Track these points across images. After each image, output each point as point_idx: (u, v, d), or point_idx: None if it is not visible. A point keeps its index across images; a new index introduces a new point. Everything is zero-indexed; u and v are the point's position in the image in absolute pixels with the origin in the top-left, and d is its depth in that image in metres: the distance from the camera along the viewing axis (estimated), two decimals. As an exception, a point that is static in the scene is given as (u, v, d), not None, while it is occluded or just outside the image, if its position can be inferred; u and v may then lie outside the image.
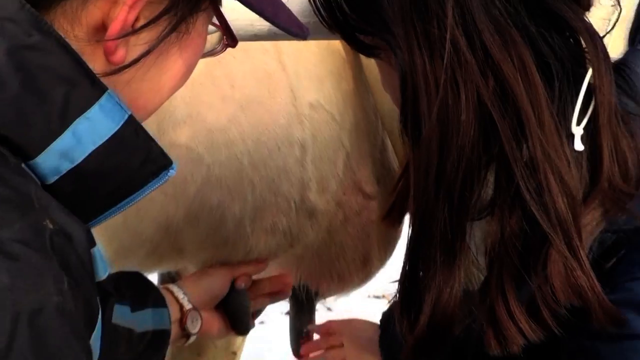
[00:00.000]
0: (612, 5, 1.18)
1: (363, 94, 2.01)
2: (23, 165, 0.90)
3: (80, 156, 0.93)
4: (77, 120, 0.91)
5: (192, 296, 1.76)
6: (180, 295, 1.74)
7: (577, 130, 1.11)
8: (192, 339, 1.76)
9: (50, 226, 0.85)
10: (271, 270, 2.03)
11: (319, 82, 1.92)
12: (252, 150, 1.81)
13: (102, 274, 1.00)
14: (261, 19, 1.15)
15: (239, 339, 2.54)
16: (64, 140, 0.91)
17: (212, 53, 1.15)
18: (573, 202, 1.09)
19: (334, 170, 1.95)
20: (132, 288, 1.64)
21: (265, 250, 1.94)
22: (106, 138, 0.93)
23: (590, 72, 1.11)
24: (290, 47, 1.84)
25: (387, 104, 1.95)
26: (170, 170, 1.02)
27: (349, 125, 1.97)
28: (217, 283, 1.83)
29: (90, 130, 0.92)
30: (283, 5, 1.09)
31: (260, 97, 1.82)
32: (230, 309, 1.84)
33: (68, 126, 0.91)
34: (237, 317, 1.84)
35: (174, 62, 1.04)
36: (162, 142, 1.66)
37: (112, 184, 0.98)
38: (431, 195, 1.14)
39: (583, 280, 1.09)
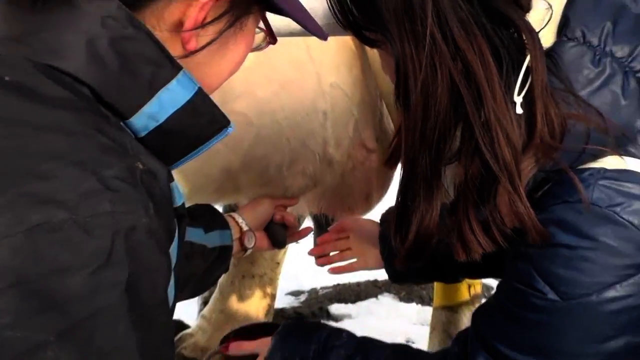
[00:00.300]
0: (546, 8, 1.15)
1: (368, 77, 1.99)
2: (121, 123, 0.91)
3: (163, 117, 0.93)
4: (161, 90, 0.92)
5: (247, 220, 1.75)
6: (239, 220, 1.73)
7: (518, 99, 1.09)
8: (248, 252, 1.76)
9: (141, 167, 0.85)
10: (300, 203, 2.02)
11: (336, 68, 1.91)
12: (288, 117, 1.81)
13: (178, 201, 1.01)
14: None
15: (281, 252, 2.59)
16: (151, 106, 0.92)
17: (258, 48, 1.14)
18: (515, 152, 1.08)
19: (346, 132, 1.95)
20: (204, 216, 1.63)
21: (297, 189, 1.94)
22: (182, 104, 0.94)
23: (528, 57, 1.10)
24: (316, 43, 1.68)
25: (385, 84, 1.96)
26: (229, 129, 1.02)
27: (357, 100, 1.96)
28: (264, 211, 1.81)
29: (171, 98, 0.93)
30: (310, 15, 1.08)
31: (295, 79, 1.82)
32: (271, 231, 1.83)
33: (154, 95, 0.91)
34: (276, 236, 1.83)
35: (230, 52, 1.03)
36: (224, 110, 1.72)
37: (186, 137, 0.98)
38: (417, 147, 1.14)
39: (521, 209, 1.09)
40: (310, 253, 1.87)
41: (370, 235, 1.74)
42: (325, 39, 1.13)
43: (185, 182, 1.79)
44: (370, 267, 1.80)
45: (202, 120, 0.98)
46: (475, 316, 1.28)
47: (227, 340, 1.62)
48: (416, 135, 1.13)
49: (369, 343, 1.44)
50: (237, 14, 1.00)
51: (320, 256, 1.85)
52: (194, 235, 1.56)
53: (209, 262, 1.59)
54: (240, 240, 1.72)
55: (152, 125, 0.93)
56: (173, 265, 0.91)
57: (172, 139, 0.96)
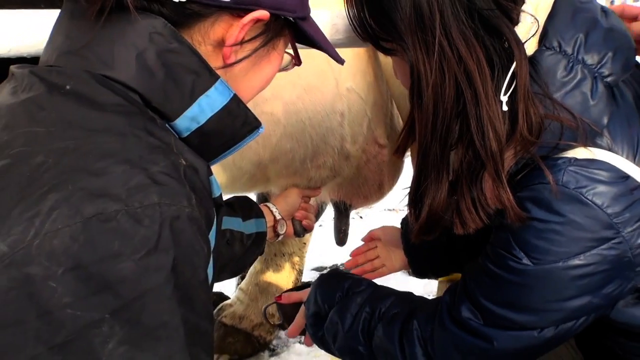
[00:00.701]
0: (532, 22, 1.15)
1: (380, 83, 2.00)
2: (167, 125, 0.91)
3: (203, 119, 0.93)
4: (201, 97, 0.92)
5: (280, 210, 1.75)
6: (273, 209, 1.73)
7: (504, 99, 1.11)
8: (280, 237, 1.76)
9: (184, 163, 0.85)
10: (322, 192, 2.02)
11: (352, 74, 1.91)
12: (311, 116, 1.82)
13: (217, 192, 1.01)
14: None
15: (308, 234, 2.56)
16: (193, 110, 0.92)
17: (285, 69, 1.14)
18: (500, 143, 1.11)
19: (361, 130, 1.96)
20: (242, 207, 1.62)
21: (319, 179, 1.95)
22: (219, 108, 0.94)
23: (514, 64, 1.11)
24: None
25: (395, 88, 1.98)
26: (260, 129, 1.02)
27: (370, 102, 1.97)
28: (293, 202, 1.80)
29: (209, 103, 0.93)
30: (330, 43, 1.10)
31: (316, 83, 1.81)
32: (292, 224, 1.81)
33: (195, 100, 0.92)
34: (295, 229, 1.82)
35: (262, 69, 1.03)
36: (255, 111, 1.70)
37: (223, 137, 0.99)
38: (429, 138, 1.16)
39: (503, 193, 1.12)
40: (346, 267, 1.86)
41: (394, 238, 1.74)
42: (342, 63, 1.14)
43: (222, 173, 1.81)
44: (397, 269, 1.79)
45: (236, 122, 0.98)
46: (464, 272, 1.30)
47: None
48: (428, 129, 1.15)
49: (380, 291, 1.47)
50: (270, 36, 1.00)
51: (354, 267, 1.84)
52: (234, 223, 1.56)
53: (246, 246, 1.58)
54: (274, 227, 1.72)
55: (194, 126, 0.93)
56: (212, 249, 0.91)
57: (210, 139, 0.96)
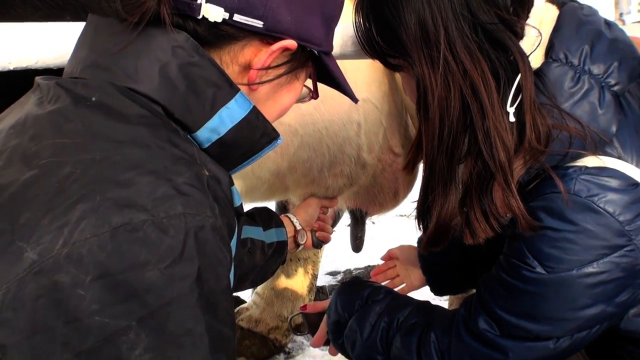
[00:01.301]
0: (536, 36, 1.17)
1: (395, 93, 2.01)
2: (189, 136, 0.92)
3: (223, 131, 0.94)
4: (221, 109, 0.93)
5: (300, 220, 1.76)
6: (294, 219, 1.74)
7: (511, 110, 1.12)
8: (300, 247, 1.76)
9: (207, 174, 0.86)
10: (340, 200, 2.02)
11: (368, 85, 1.92)
12: (328, 126, 1.83)
13: (238, 202, 1.02)
14: (335, 49, 1.18)
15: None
16: (214, 121, 0.93)
17: (302, 100, 1.16)
18: (509, 154, 1.11)
19: (377, 139, 1.97)
20: (263, 217, 1.62)
21: (337, 187, 1.95)
22: (239, 119, 0.95)
23: (519, 76, 1.12)
24: (350, 65, 1.73)
25: (409, 99, 2.00)
26: (278, 140, 1.03)
27: (386, 112, 1.98)
28: (313, 212, 1.82)
29: (230, 115, 0.94)
30: (347, 83, 1.12)
31: (333, 94, 1.65)
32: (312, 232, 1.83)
33: (216, 112, 0.93)
34: (313, 240, 1.83)
35: (282, 96, 1.05)
36: (274, 122, 1.75)
37: (243, 148, 0.99)
38: (435, 151, 1.16)
39: (512, 202, 1.13)
40: None
41: (412, 256, 1.76)
42: (356, 102, 1.18)
43: (242, 183, 1.82)
44: (416, 287, 1.79)
45: (256, 133, 0.99)
46: (479, 284, 1.31)
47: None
48: (435, 141, 1.16)
49: (398, 301, 1.48)
50: (295, 65, 1.02)
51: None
52: (254, 232, 1.57)
53: (267, 255, 1.58)
54: (294, 238, 1.73)
55: (214, 137, 0.94)
56: (233, 256, 0.91)
57: (230, 149, 0.97)
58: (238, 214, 1.00)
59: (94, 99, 0.87)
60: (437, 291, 1.77)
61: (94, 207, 0.74)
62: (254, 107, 0.97)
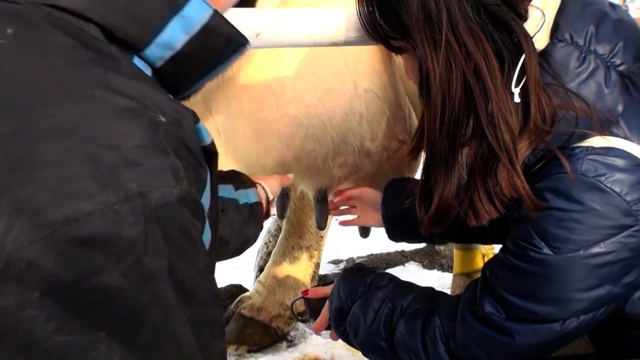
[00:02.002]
0: (540, 17, 1.18)
1: (396, 82, 2.01)
2: (135, 58, 0.79)
3: (179, 44, 0.81)
4: (175, 17, 0.80)
5: (271, 189, 1.61)
6: (265, 187, 1.58)
7: (516, 90, 1.13)
8: (268, 218, 1.60)
9: (163, 119, 0.69)
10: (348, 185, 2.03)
11: (369, 75, 1.92)
12: (331, 118, 1.84)
13: (207, 140, 0.82)
14: (340, 36, 1.25)
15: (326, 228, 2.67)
16: (165, 34, 0.80)
17: None
18: (513, 136, 1.13)
19: (380, 128, 1.98)
20: (232, 177, 1.48)
21: (341, 177, 1.97)
22: (198, 29, 0.82)
23: (524, 56, 1.13)
24: (352, 55, 1.85)
25: (410, 87, 2.01)
26: (247, 45, 0.90)
27: (388, 100, 1.98)
28: (278, 186, 1.66)
29: (185, 24, 0.81)
30: None
31: (335, 86, 1.83)
32: (317, 214, 1.88)
33: (167, 21, 0.79)
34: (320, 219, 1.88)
35: None
36: (278, 113, 1.74)
37: (204, 60, 0.87)
38: (437, 133, 1.18)
39: (518, 182, 1.14)
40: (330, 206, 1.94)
41: (374, 202, 1.78)
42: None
43: (245, 171, 1.76)
44: (368, 224, 1.89)
45: (219, 41, 0.86)
46: (484, 268, 1.32)
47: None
48: (436, 124, 1.17)
49: (401, 287, 1.50)
50: None
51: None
52: (224, 192, 1.41)
53: (244, 217, 1.41)
54: (267, 207, 1.59)
55: (168, 54, 0.81)
56: (207, 209, 0.78)
57: (189, 64, 0.85)
58: (210, 153, 0.83)
59: (9, 31, 0.68)
60: (392, 237, 1.80)
61: (20, 204, 0.58)
62: (216, 11, 0.84)
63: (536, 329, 1.23)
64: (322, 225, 1.90)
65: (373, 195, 1.81)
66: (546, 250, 1.17)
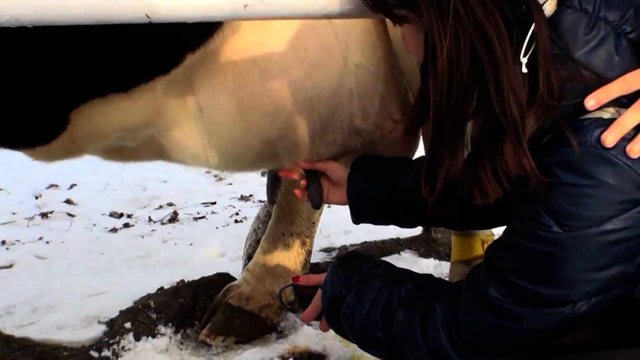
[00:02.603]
0: None
1: (391, 58, 1.99)
2: None
3: None
4: None
5: None
6: None
7: (524, 60, 1.12)
8: None
9: None
10: None
11: (361, 50, 1.90)
12: (319, 93, 1.81)
13: None
14: (334, 7, 1.22)
15: (317, 213, 2.62)
16: None
17: None
18: (521, 108, 1.12)
19: (372, 105, 1.96)
20: None
21: (329, 156, 1.95)
22: None
23: (533, 26, 1.12)
24: (342, 28, 1.84)
25: (407, 63, 2.00)
26: None
27: (382, 77, 1.96)
28: None
29: None
30: None
31: (324, 60, 1.81)
32: (310, 191, 1.84)
33: None
34: (312, 196, 1.84)
35: None
36: (264, 87, 1.71)
37: None
38: (443, 107, 1.16)
39: (524, 160, 1.13)
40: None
41: (340, 177, 1.77)
42: None
43: (229, 150, 1.83)
44: (330, 203, 1.86)
45: None
46: (488, 251, 1.30)
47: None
48: (443, 97, 1.16)
49: (398, 275, 1.47)
50: None
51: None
52: None
53: None
54: None
55: None
56: None
57: None
58: None
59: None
60: (355, 219, 1.77)
61: None
62: None
63: (545, 314, 1.20)
64: (317, 202, 1.85)
65: (341, 170, 1.78)
66: (555, 228, 1.15)
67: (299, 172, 1.90)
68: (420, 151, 2.16)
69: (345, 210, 1.88)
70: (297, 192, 1.88)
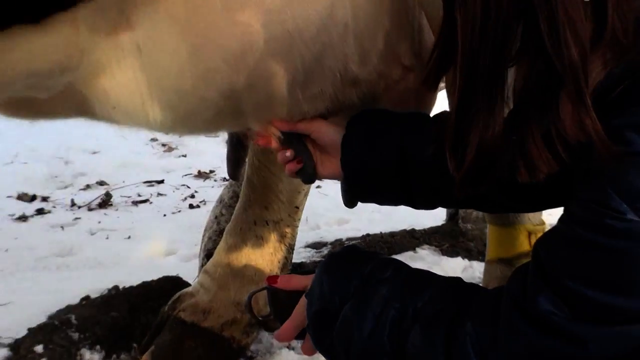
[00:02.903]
0: None
1: None
2: None
3: None
4: None
5: None
6: None
7: None
8: None
9: None
10: None
11: None
12: (301, 28, 1.79)
13: None
14: None
15: (301, 194, 2.64)
16: None
17: None
18: (583, 51, 1.12)
19: (374, 45, 1.94)
20: None
21: (315, 113, 1.93)
22: None
23: None
24: None
25: None
26: None
27: (387, 7, 1.95)
28: None
29: None
30: None
31: None
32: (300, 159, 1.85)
33: None
34: (304, 167, 1.86)
35: None
36: (227, 20, 1.71)
37: None
38: (476, 48, 1.18)
39: (587, 120, 1.14)
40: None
41: (332, 141, 1.81)
42: None
43: (176, 107, 1.83)
44: (321, 175, 1.87)
45: None
46: (537, 246, 1.31)
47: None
48: (475, 35, 1.18)
49: (414, 281, 1.48)
50: None
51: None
52: None
53: None
54: None
55: None
56: None
57: None
58: None
59: None
60: (351, 197, 1.80)
61: None
62: None
63: (620, 333, 1.21)
64: (310, 174, 1.88)
65: (332, 132, 1.81)
66: (630, 215, 1.15)
67: (275, 137, 1.90)
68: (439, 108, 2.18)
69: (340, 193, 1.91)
70: (288, 167, 1.88)
